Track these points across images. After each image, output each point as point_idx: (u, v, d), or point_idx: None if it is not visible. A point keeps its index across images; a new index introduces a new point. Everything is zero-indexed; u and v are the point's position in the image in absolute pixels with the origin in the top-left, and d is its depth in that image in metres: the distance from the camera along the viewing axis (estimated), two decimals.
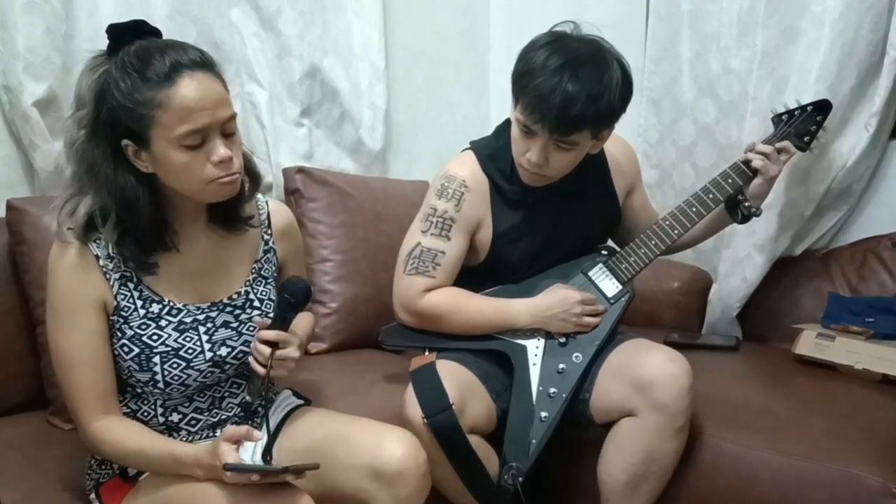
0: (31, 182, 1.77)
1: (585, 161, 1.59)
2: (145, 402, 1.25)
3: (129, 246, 1.16)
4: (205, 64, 1.12)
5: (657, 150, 2.33)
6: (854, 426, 1.51)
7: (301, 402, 1.44)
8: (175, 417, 1.26)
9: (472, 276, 1.66)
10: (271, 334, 1.21)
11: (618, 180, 1.73)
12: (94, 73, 1.12)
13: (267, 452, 1.30)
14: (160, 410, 1.25)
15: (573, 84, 1.42)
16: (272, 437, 1.33)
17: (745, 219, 1.72)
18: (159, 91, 1.08)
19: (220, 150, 1.12)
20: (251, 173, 1.26)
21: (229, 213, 1.26)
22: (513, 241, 1.64)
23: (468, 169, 1.63)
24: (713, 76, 2.15)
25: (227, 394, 1.30)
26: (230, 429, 1.12)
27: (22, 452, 1.40)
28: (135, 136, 1.10)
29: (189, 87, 1.08)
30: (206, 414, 1.28)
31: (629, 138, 2.36)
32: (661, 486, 1.53)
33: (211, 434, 1.29)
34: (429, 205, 1.63)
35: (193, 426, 1.27)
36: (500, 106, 2.67)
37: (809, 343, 1.83)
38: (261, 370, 1.21)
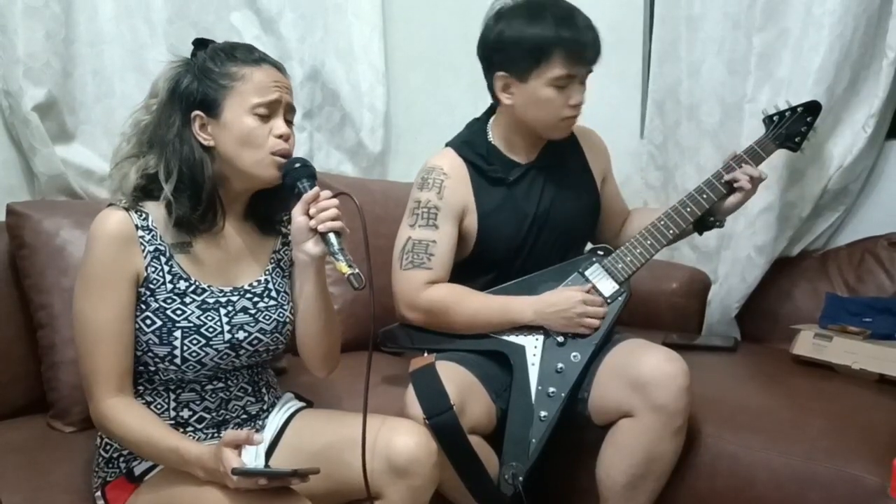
0: (32, 186, 1.78)
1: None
2: (158, 395, 1.26)
3: (183, 202, 1.22)
4: (281, 66, 1.31)
5: (661, 151, 2.34)
6: (852, 426, 1.51)
7: (303, 404, 1.45)
8: (185, 413, 1.27)
9: (465, 270, 1.67)
10: (310, 193, 1.23)
11: (593, 162, 1.79)
12: (173, 69, 1.27)
13: (269, 455, 1.31)
14: (173, 405, 1.27)
15: (580, 16, 1.58)
16: (275, 440, 1.34)
17: (705, 229, 1.77)
18: (244, 67, 1.24)
19: (283, 126, 1.26)
20: None
21: (267, 212, 1.35)
22: (499, 220, 1.67)
23: (446, 159, 1.69)
24: (714, 78, 2.16)
25: (233, 396, 1.31)
26: (230, 433, 1.12)
27: (22, 455, 1.40)
28: (208, 105, 1.23)
29: (268, 72, 1.26)
30: (212, 413, 1.29)
31: (633, 140, 2.39)
32: (660, 486, 1.53)
33: (215, 433, 1.29)
34: (413, 199, 1.67)
35: (200, 423, 1.28)
36: None
37: (807, 343, 1.84)
38: (331, 233, 1.22)
